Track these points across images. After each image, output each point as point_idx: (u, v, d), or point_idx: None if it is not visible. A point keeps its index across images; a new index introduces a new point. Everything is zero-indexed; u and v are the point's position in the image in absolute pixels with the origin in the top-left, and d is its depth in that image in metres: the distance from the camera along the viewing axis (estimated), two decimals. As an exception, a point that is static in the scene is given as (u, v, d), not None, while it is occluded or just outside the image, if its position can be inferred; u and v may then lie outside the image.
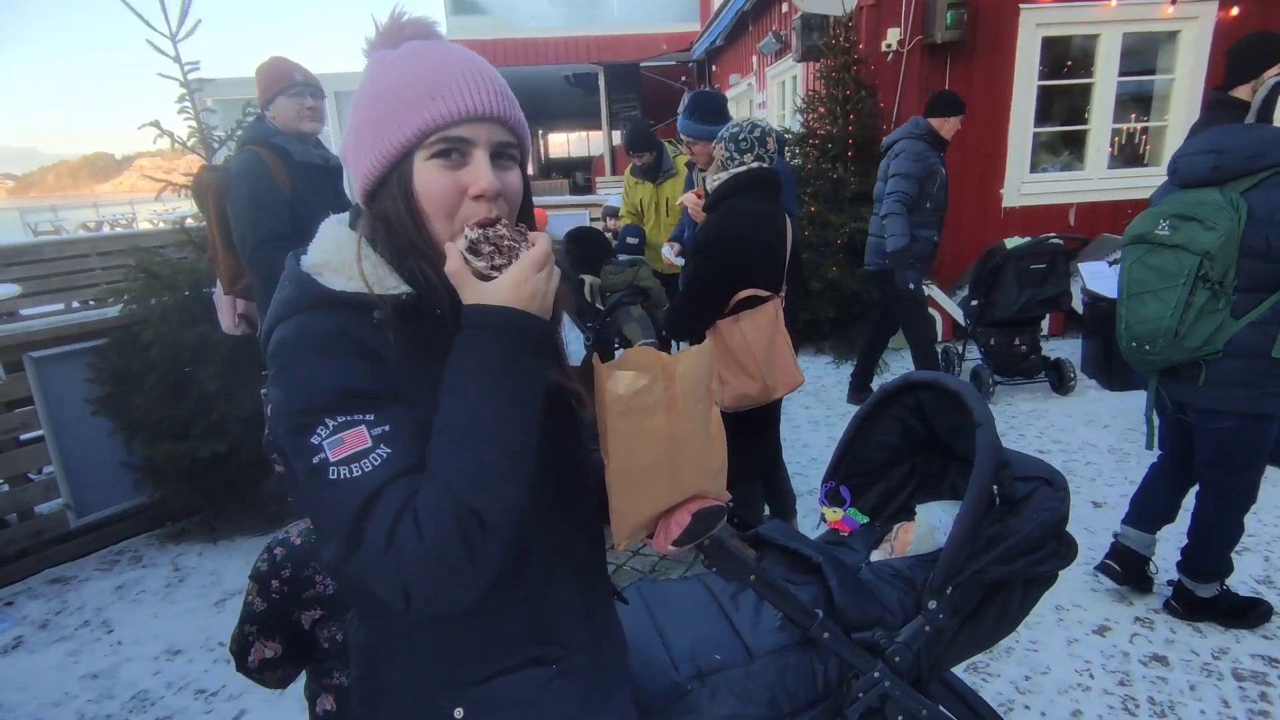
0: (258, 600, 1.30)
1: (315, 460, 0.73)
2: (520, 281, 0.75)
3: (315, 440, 0.74)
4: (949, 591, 1.35)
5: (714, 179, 2.57)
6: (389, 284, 0.80)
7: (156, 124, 3.17)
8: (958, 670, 2.20)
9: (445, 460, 0.73)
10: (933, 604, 1.36)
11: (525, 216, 0.89)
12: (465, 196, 0.79)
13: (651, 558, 2.99)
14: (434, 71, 0.79)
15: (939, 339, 5.64)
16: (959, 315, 5.30)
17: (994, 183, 5.93)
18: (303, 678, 1.42)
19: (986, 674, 2.22)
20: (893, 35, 5.58)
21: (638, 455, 0.87)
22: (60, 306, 7.37)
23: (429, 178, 0.79)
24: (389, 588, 0.72)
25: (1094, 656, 2.26)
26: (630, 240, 4.02)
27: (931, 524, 1.52)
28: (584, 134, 29.03)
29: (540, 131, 29.17)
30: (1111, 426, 4.00)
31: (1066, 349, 5.24)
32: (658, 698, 1.28)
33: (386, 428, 0.74)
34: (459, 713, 0.86)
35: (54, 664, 2.53)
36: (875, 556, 1.58)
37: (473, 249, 0.76)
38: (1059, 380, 4.53)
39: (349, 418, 0.74)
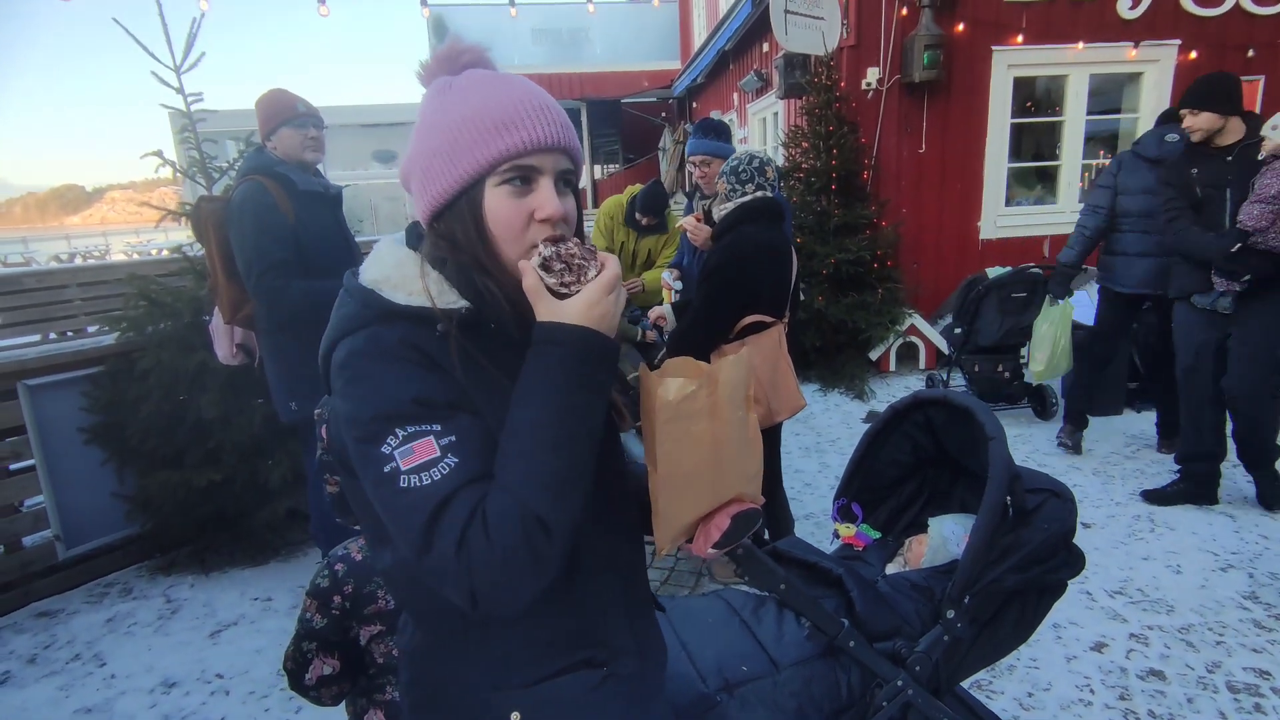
0: (317, 616, 1.30)
1: (387, 469, 0.77)
2: (593, 303, 0.79)
3: (386, 450, 0.77)
4: (966, 601, 1.40)
5: (720, 209, 2.66)
6: (449, 299, 0.85)
7: (159, 154, 3.20)
8: (964, 684, 2.23)
9: (514, 469, 0.77)
10: (951, 613, 1.40)
11: (577, 235, 0.95)
12: (532, 220, 0.84)
13: (660, 570, 3.00)
14: (507, 103, 0.83)
15: (923, 367, 5.76)
16: (943, 344, 5.44)
17: (971, 216, 6.13)
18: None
19: (990, 691, 2.25)
20: (872, 74, 5.80)
21: (684, 460, 0.90)
22: (37, 338, 7.27)
23: (499, 204, 0.84)
24: (458, 589, 0.75)
25: (1093, 672, 2.31)
26: None
27: (944, 536, 1.57)
28: (565, 168, 29.33)
29: (521, 165, 29.50)
30: (1094, 450, 4.10)
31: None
32: (687, 710, 1.30)
33: (453, 438, 0.78)
34: (515, 716, 0.89)
35: (45, 699, 2.46)
36: (890, 569, 1.63)
37: (545, 266, 0.80)
38: (1041, 406, 4.64)
39: (418, 428, 0.77)
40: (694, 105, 13.11)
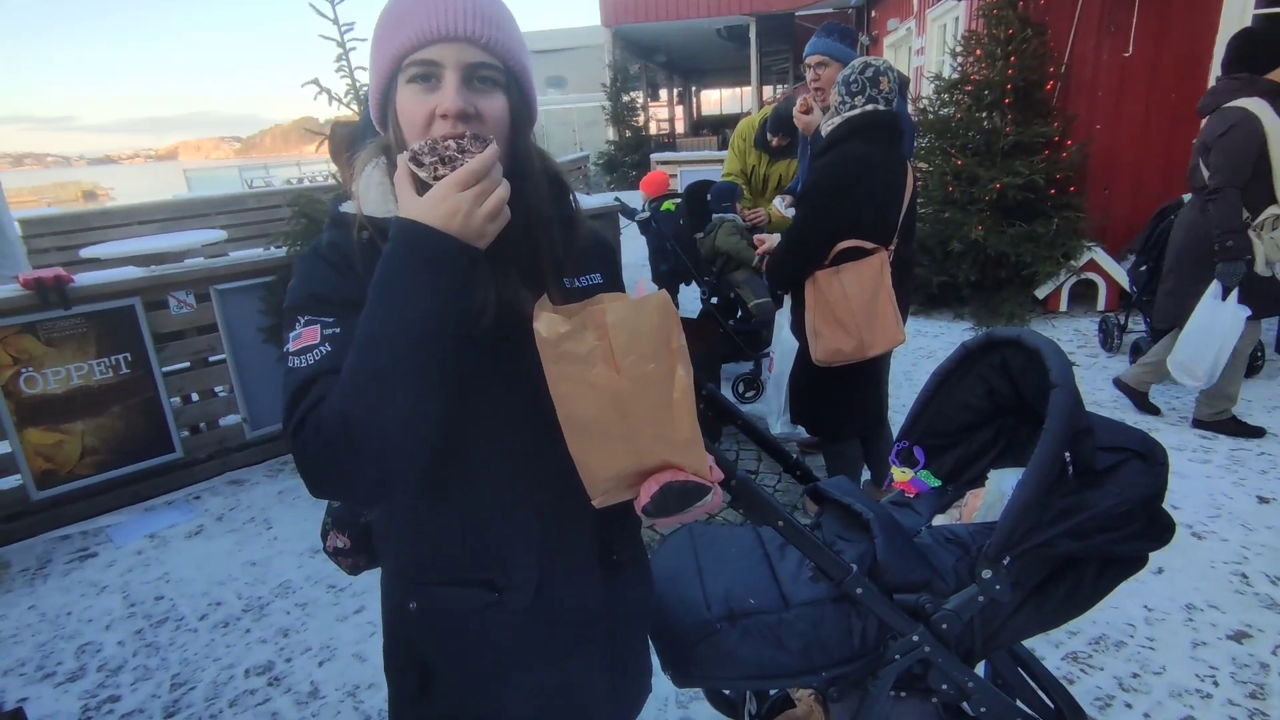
0: None
1: (285, 349, 0.83)
2: (438, 199, 0.74)
3: (287, 334, 0.83)
4: (1007, 562, 1.27)
5: (827, 124, 2.46)
6: (384, 209, 0.86)
7: (316, 81, 3.49)
8: (1055, 656, 2.06)
9: (346, 366, 0.77)
10: (988, 573, 1.28)
11: (519, 149, 0.89)
12: (435, 117, 0.81)
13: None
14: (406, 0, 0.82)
15: (1102, 308, 5.08)
16: (1125, 282, 4.74)
17: (1187, 133, 5.15)
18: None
19: (1087, 665, 2.05)
20: (1072, -36, 4.96)
21: (581, 406, 0.82)
22: (260, 250, 8.42)
23: (404, 101, 0.83)
24: (299, 467, 0.79)
25: (1223, 663, 2.02)
26: (724, 204, 3.92)
27: (1002, 490, 1.42)
28: (736, 90, 28.35)
29: (693, 88, 28.85)
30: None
31: (1264, 325, 4.54)
32: (684, 634, 1.32)
33: (337, 330, 0.81)
34: (412, 605, 0.96)
35: (224, 550, 2.99)
36: (939, 520, 1.51)
37: (415, 159, 0.76)
38: (1242, 360, 3.93)
39: (313, 318, 0.82)
40: (872, 14, 11.99)
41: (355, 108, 3.64)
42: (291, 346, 0.81)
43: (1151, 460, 1.30)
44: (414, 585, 0.96)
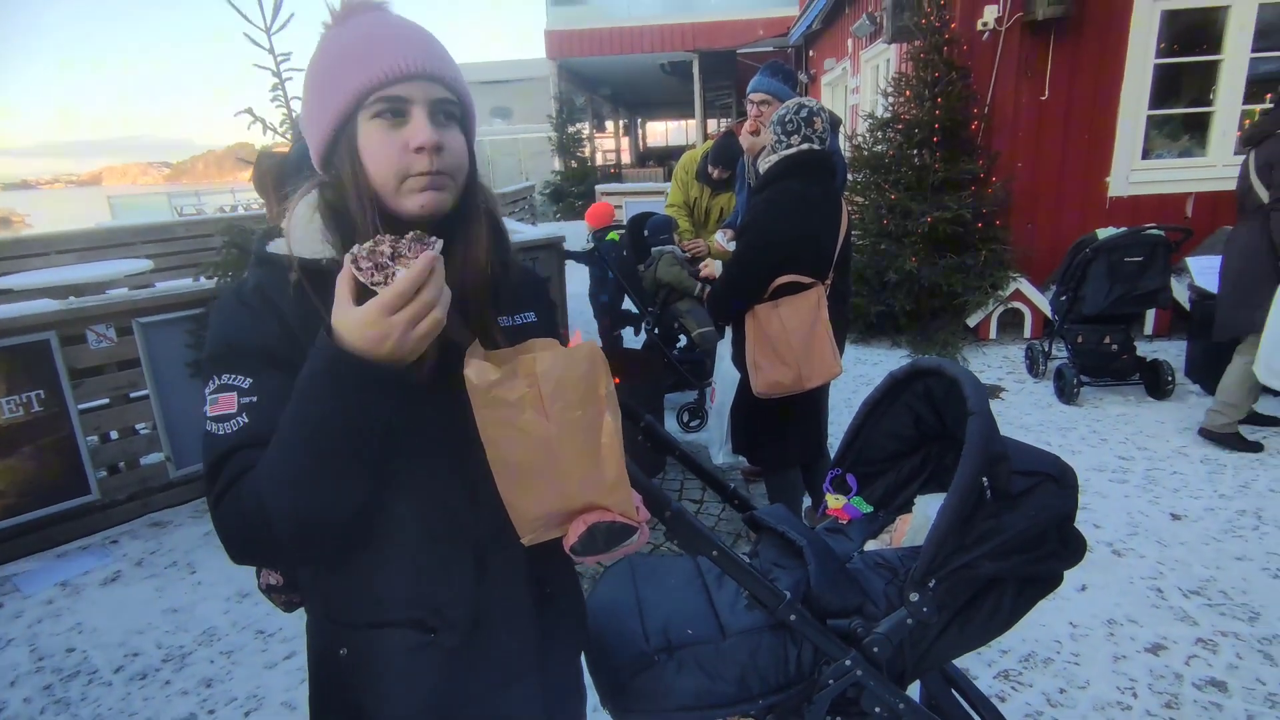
0: None
1: (204, 408, 0.82)
2: (366, 323, 0.71)
3: (206, 390, 0.83)
4: (932, 585, 1.31)
5: (764, 162, 2.54)
6: (316, 249, 0.84)
7: (250, 111, 3.43)
8: (987, 675, 2.11)
9: (266, 458, 0.77)
10: (915, 596, 1.31)
11: (471, 186, 0.92)
12: (406, 151, 0.82)
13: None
14: (368, 37, 0.83)
15: (1028, 336, 5.32)
16: (1049, 310, 4.99)
17: (1100, 170, 5.51)
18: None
19: (1018, 682, 2.11)
20: (989, 13, 5.28)
21: (511, 450, 0.83)
22: (189, 280, 8.13)
23: (371, 137, 0.83)
24: (220, 537, 0.80)
25: (1141, 675, 2.11)
26: (660, 236, 3.99)
27: (928, 515, 1.47)
28: (681, 123, 28.97)
29: (638, 120, 29.36)
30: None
31: (1173, 350, 4.83)
32: (623, 667, 1.31)
33: (254, 399, 0.80)
34: (343, 652, 0.93)
35: (143, 597, 2.83)
36: (871, 546, 1.54)
37: (355, 262, 0.72)
38: (1154, 383, 4.18)
39: (229, 378, 0.81)
40: (810, 54, 12.47)
41: (290, 137, 3.59)
42: (209, 410, 0.81)
43: (1063, 483, 1.36)
44: (343, 629, 0.93)
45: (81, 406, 3.27)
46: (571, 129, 16.17)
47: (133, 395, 3.47)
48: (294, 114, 3.60)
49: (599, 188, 10.19)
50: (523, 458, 0.82)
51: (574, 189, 15.57)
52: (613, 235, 4.46)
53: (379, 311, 0.70)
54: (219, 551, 3.14)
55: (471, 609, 0.93)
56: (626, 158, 24.93)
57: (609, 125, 25.21)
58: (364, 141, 0.83)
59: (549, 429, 0.81)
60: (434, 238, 0.74)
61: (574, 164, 16.15)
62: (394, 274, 0.71)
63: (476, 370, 0.79)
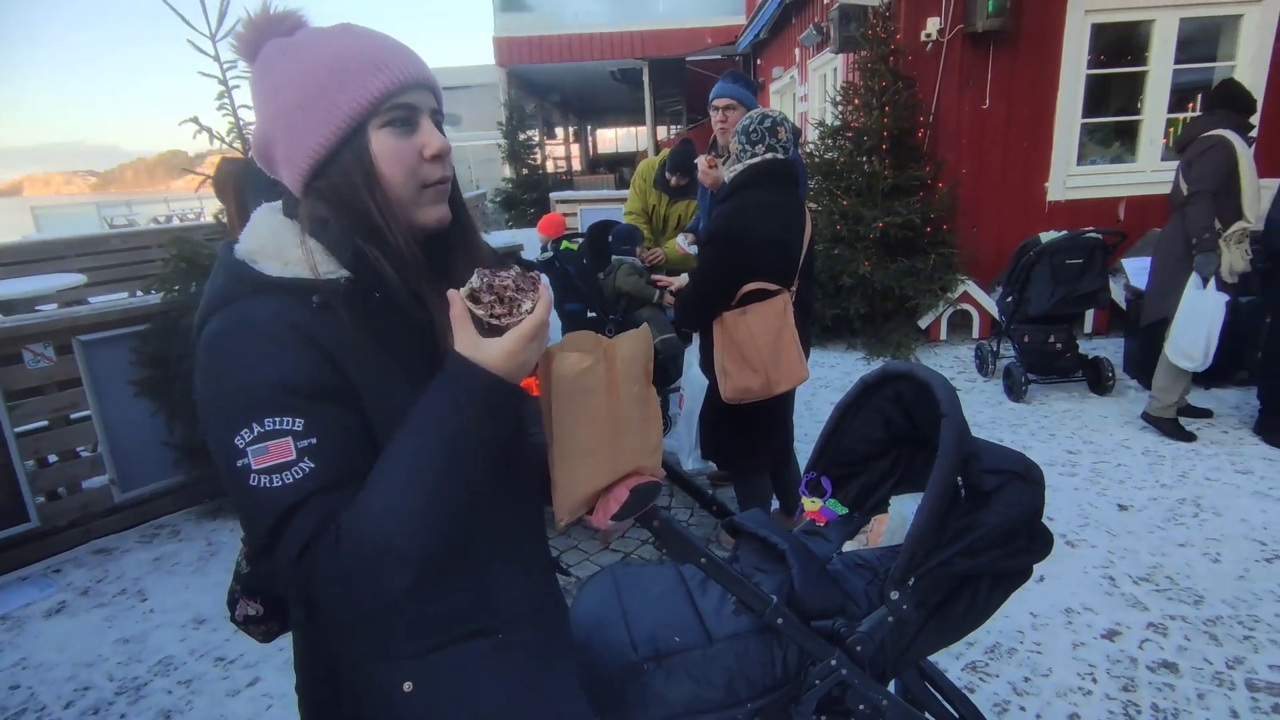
0: (244, 563, 1.37)
1: (238, 464, 0.72)
2: (512, 352, 0.76)
3: (239, 443, 0.72)
4: (911, 583, 1.34)
5: (729, 171, 2.57)
6: (329, 268, 0.80)
7: (195, 120, 3.32)
8: (956, 667, 2.17)
9: (384, 495, 0.73)
10: (895, 594, 1.35)
11: (458, 196, 0.91)
12: (422, 159, 0.83)
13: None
14: (371, 45, 0.81)
15: (977, 337, 5.50)
16: (996, 311, 5.17)
17: (1039, 176, 5.74)
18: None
19: (985, 674, 2.18)
20: (932, 25, 5.46)
21: (581, 435, 0.90)
22: (124, 295, 7.79)
23: (387, 146, 0.81)
24: (294, 594, 0.75)
25: (1099, 661, 2.20)
26: (624, 246, 4.00)
27: (904, 515, 1.51)
28: (631, 129, 29.09)
29: (589, 127, 29.37)
30: (1150, 428, 3.84)
31: (1111, 348, 5.05)
32: (613, 678, 1.31)
33: (313, 440, 0.73)
34: (408, 686, 0.86)
35: (91, 628, 2.69)
36: (849, 547, 1.58)
37: (473, 297, 0.76)
38: (1096, 379, 4.37)
39: (276, 423, 0.72)
40: (758, 62, 12.68)
41: (239, 146, 3.49)
42: (254, 464, 0.72)
43: (1030, 480, 1.41)
44: (408, 662, 0.86)
45: (18, 429, 3.11)
46: (522, 136, 16.07)
47: (73, 416, 3.32)
48: (242, 123, 3.51)
49: (553, 195, 10.15)
50: (591, 439, 0.90)
51: (526, 196, 15.47)
52: (567, 244, 4.46)
53: (522, 340, 0.76)
54: (172, 575, 3.03)
55: (526, 601, 0.95)
56: (577, 164, 24.91)
57: (559, 132, 25.15)
58: (378, 149, 0.81)
59: (617, 405, 0.91)
60: (534, 270, 0.87)
61: (525, 171, 16.05)
62: (521, 306, 0.77)
63: (570, 362, 0.87)
